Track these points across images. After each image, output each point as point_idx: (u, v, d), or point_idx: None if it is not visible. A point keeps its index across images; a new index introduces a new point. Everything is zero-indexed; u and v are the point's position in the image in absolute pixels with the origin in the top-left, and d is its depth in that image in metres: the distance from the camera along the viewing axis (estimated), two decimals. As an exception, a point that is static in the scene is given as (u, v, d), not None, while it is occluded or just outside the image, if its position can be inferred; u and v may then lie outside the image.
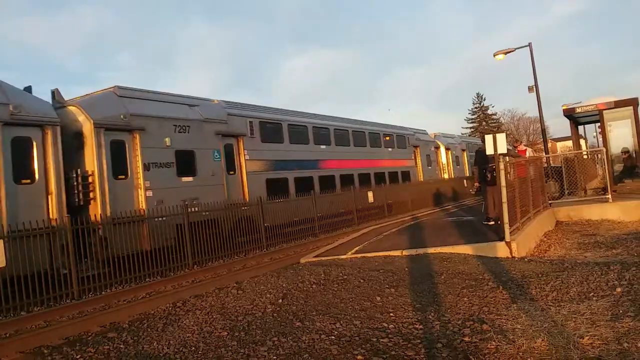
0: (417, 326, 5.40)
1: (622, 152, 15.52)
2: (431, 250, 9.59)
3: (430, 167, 30.86)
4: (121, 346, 5.93)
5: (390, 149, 26.44)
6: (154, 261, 11.56)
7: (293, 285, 7.91)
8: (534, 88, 20.63)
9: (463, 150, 36.00)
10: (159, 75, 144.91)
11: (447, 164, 33.43)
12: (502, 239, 9.11)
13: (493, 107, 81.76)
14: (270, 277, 8.78)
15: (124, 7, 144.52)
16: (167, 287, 10.30)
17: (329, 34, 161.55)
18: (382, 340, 5.03)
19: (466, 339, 4.87)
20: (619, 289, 6.05)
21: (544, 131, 22.89)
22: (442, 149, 32.79)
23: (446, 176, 32.54)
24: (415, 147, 29.24)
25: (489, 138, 9.29)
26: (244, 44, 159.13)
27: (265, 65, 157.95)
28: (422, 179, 29.01)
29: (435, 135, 33.06)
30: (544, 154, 21.89)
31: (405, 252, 9.83)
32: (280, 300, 7.09)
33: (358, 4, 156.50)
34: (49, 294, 9.41)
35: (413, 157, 28.91)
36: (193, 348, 5.44)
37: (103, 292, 10.18)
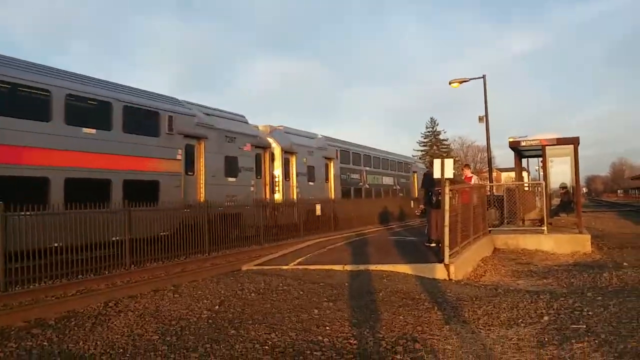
0: (351, 341, 5.43)
1: (560, 187, 16.27)
2: (372, 267, 9.70)
3: (236, 178, 18.88)
4: (45, 343, 5.65)
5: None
6: (88, 258, 11.15)
7: (232, 292, 7.81)
8: (484, 118, 21.41)
9: (328, 158, 25.95)
10: (115, 67, 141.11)
11: (289, 176, 22.57)
12: (441, 261, 9.33)
13: (445, 132, 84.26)
14: (209, 283, 8.63)
15: None
16: (101, 286, 9.95)
17: (292, 44, 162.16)
18: (315, 353, 5.03)
19: (398, 356, 4.94)
20: (546, 318, 6.29)
21: (490, 161, 23.76)
22: (278, 153, 21.86)
23: (278, 196, 21.49)
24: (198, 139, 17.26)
25: (437, 162, 9.55)
26: (205, 44, 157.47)
27: (225, 67, 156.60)
28: (202, 196, 16.88)
29: (271, 130, 22.55)
30: (488, 182, 22.69)
31: (346, 267, 9.89)
32: (217, 307, 6.98)
33: (324, 18, 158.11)
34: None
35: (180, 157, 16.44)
36: (121, 350, 5.25)
37: (31, 286, 9.71)
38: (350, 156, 28.95)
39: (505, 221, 15.83)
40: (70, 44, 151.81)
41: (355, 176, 29.54)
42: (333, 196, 25.63)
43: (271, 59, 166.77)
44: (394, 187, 35.63)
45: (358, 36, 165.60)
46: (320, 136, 26.36)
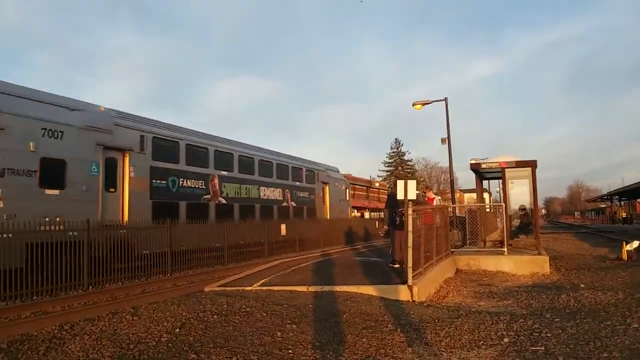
0: (314, 365, 5.38)
1: (519, 209, 16.68)
2: (337, 288, 9.68)
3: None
4: (-6, 370, 5.40)
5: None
6: (43, 278, 10.77)
7: (193, 314, 7.65)
8: (447, 140, 21.88)
9: (112, 149, 15.44)
10: (78, 81, 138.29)
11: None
12: (404, 282, 9.39)
13: (409, 153, 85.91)
14: (170, 305, 8.43)
15: (50, 4, 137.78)
16: (56, 308, 9.59)
17: (258, 63, 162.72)
18: (277, 377, 4.96)
19: (361, 380, 4.92)
20: (506, 339, 6.39)
21: (452, 182, 24.25)
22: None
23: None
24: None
25: (400, 183, 9.68)
26: (170, 61, 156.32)
27: (190, 85, 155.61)
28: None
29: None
30: (451, 203, 23.06)
31: (311, 288, 9.84)
32: (178, 330, 6.82)
33: (291, 38, 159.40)
34: None
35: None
36: (75, 376, 5.06)
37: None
38: (181, 150, 18.38)
39: (468, 242, 16.08)
40: (33, 57, 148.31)
41: (194, 184, 18.89)
42: (124, 214, 15.41)
43: (237, 77, 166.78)
44: (285, 204, 25.38)
45: (324, 57, 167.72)
46: (104, 108, 15.97)
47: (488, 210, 19.10)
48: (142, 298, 10.12)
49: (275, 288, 10.09)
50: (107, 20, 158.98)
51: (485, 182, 20.29)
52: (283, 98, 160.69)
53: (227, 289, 10.38)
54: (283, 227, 21.97)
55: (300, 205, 26.73)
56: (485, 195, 24.89)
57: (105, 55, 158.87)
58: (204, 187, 19.38)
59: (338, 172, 33.29)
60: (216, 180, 20.16)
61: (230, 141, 22.38)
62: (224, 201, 20.44)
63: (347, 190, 33.67)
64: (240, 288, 10.33)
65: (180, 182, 18.20)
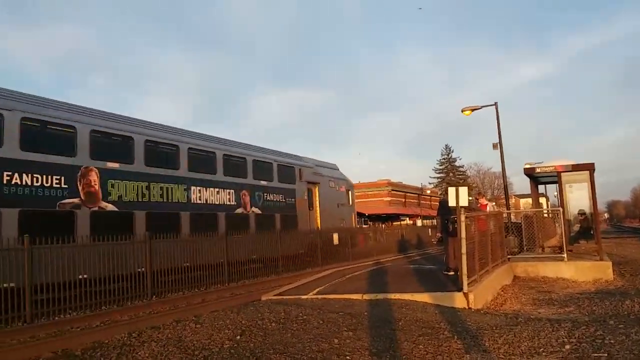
0: (372, 371, 5.48)
1: (578, 214, 16.17)
2: (391, 296, 9.73)
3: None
4: (72, 374, 5.81)
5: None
6: (111, 289, 11.38)
7: (252, 322, 7.90)
8: (498, 145, 21.46)
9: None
10: (129, 100, 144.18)
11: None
12: (460, 289, 9.33)
13: (460, 159, 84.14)
14: (229, 313, 8.74)
15: (102, 28, 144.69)
16: (124, 317, 10.10)
17: (304, 75, 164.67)
18: (336, 382, 5.09)
19: (418, 386, 4.98)
20: (567, 346, 6.27)
21: (506, 187, 23.70)
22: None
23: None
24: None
25: (452, 190, 9.65)
26: (217, 76, 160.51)
27: (237, 100, 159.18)
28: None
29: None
30: (505, 209, 22.57)
31: (365, 296, 9.93)
32: (239, 337, 7.08)
33: (334, 48, 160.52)
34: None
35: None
36: (146, 380, 5.38)
37: (56, 318, 9.92)
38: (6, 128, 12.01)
39: (525, 248, 15.72)
40: (87, 78, 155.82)
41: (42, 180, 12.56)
42: None
43: (282, 90, 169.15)
44: (241, 211, 19.06)
45: (368, 66, 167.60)
46: None
47: (545, 215, 18.61)
48: (203, 307, 10.50)
49: (331, 296, 10.24)
50: (157, 39, 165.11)
51: (542, 187, 19.81)
52: (329, 109, 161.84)
53: (284, 297, 10.62)
54: (335, 236, 22.16)
55: (270, 212, 20.25)
56: (542, 200, 24.22)
57: (155, 74, 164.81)
58: (65, 185, 12.98)
59: (336, 169, 27.23)
60: (94, 176, 13.80)
61: (125, 119, 15.81)
62: (111, 207, 14.05)
63: (350, 192, 27.51)
64: (296, 297, 10.55)
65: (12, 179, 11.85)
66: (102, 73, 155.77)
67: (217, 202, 17.87)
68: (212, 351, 6.43)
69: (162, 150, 16.24)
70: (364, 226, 44.41)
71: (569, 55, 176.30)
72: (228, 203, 18.34)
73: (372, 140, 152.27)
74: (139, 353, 6.48)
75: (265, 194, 20.30)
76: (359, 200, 62.73)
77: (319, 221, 23.58)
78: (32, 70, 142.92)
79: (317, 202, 23.92)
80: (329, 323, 7.74)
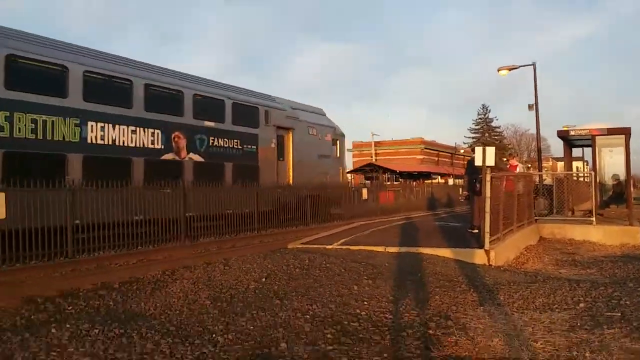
0: (387, 315, 5.79)
1: (612, 178, 15.92)
2: (413, 249, 9.98)
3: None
4: (110, 303, 6.32)
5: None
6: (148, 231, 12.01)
7: (277, 267, 8.30)
8: (534, 107, 20.98)
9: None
10: (166, 51, 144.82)
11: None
12: (482, 246, 9.50)
13: (497, 119, 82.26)
14: (257, 258, 9.16)
15: None
16: (158, 257, 10.69)
17: (336, 30, 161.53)
18: (352, 323, 5.42)
19: (430, 331, 5.26)
20: (582, 304, 6.42)
21: (539, 150, 23.28)
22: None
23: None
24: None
25: (478, 150, 9.68)
26: (252, 30, 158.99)
27: (271, 54, 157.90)
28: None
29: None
30: (536, 171, 22.29)
31: (388, 249, 10.21)
32: (264, 279, 7.48)
33: (372, 3, 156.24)
34: (44, 250, 9.84)
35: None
36: (177, 311, 5.83)
37: (96, 254, 10.58)
38: None
39: (555, 211, 15.66)
40: (126, 34, 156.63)
41: None
42: None
43: (318, 43, 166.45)
44: (170, 157, 15.03)
45: (405, 22, 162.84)
46: None
47: (581, 179, 18.35)
48: (233, 252, 10.98)
49: (354, 247, 10.57)
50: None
51: (580, 151, 19.45)
52: (363, 66, 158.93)
53: (309, 246, 11.01)
54: (364, 191, 22.42)
55: (217, 161, 16.47)
56: (580, 163, 23.76)
57: (190, 26, 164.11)
58: None
59: (322, 114, 23.05)
60: None
61: None
62: None
63: (339, 143, 23.35)
64: (321, 246, 10.91)
65: None
66: (139, 25, 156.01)
67: (132, 145, 13.80)
68: (239, 290, 6.85)
69: (39, 70, 11.87)
70: (394, 183, 44.51)
71: (617, 14, 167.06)
72: (150, 146, 14.21)
73: (407, 98, 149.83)
74: (171, 288, 6.96)
75: (211, 138, 16.27)
76: (390, 157, 62.74)
77: (291, 174, 19.86)
78: (70, 22, 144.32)
79: (291, 152, 19.90)
80: (350, 271, 8.07)
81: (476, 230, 11.56)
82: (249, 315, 5.64)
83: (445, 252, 9.70)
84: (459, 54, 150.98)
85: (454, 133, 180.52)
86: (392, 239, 11.66)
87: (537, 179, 17.71)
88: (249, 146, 17.86)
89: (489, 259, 9.30)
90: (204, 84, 16.78)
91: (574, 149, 18.49)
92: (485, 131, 79.72)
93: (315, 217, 18.74)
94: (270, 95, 19.88)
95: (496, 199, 9.81)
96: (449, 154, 71.72)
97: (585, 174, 18.77)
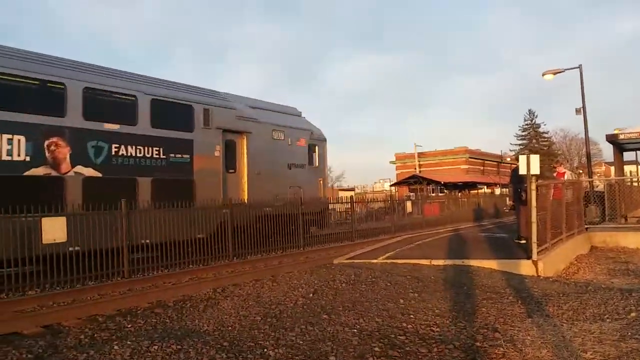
0: (434, 328, 5.86)
1: (669, 183, 15.36)
2: (459, 262, 9.96)
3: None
4: (167, 320, 6.65)
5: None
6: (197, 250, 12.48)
7: (324, 282, 8.47)
8: (582, 110, 20.45)
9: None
10: (213, 69, 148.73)
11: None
12: (529, 257, 9.39)
13: (545, 125, 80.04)
14: (303, 274, 9.38)
15: (182, 2, 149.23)
16: (209, 275, 11.06)
17: (382, 39, 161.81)
18: (399, 337, 5.52)
19: (477, 343, 5.30)
20: (633, 314, 6.30)
21: (589, 155, 22.61)
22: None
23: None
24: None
25: (523, 158, 9.61)
26: (296, 43, 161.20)
27: (316, 66, 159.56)
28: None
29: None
30: (586, 177, 21.64)
31: (433, 262, 10.23)
32: (311, 295, 7.67)
33: (413, 10, 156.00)
34: (102, 271, 10.38)
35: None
36: (230, 328, 6.08)
37: (150, 274, 11.05)
38: None
39: (607, 219, 15.22)
40: (174, 51, 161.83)
41: None
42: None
43: (362, 55, 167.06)
44: (43, 173, 11.44)
45: (449, 27, 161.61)
46: None
47: (632, 183, 17.77)
48: (280, 268, 11.24)
49: (399, 261, 10.63)
50: (236, 10, 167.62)
51: (633, 155, 18.85)
52: (408, 73, 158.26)
53: (355, 261, 11.14)
54: (409, 204, 22.38)
55: (128, 176, 12.99)
56: (633, 167, 22.94)
57: (235, 44, 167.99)
58: None
59: (295, 115, 19.78)
60: None
61: None
62: None
63: (318, 149, 19.87)
64: (366, 261, 11.02)
65: None
66: (185, 46, 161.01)
67: None
68: (287, 306, 7.06)
69: None
70: (439, 194, 44.06)
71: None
72: (5, 158, 10.85)
73: (450, 107, 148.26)
74: (223, 305, 7.25)
75: (114, 146, 12.72)
76: (434, 168, 62.09)
77: (245, 189, 16.26)
78: (120, 46, 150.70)
79: (245, 161, 16.32)
80: (396, 285, 8.15)
81: (523, 241, 11.40)
82: (298, 329, 5.83)
83: (492, 264, 9.64)
84: (503, 58, 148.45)
85: (500, 141, 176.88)
86: (437, 252, 11.65)
87: (587, 186, 17.27)
88: (179, 155, 14.24)
89: (537, 270, 9.18)
90: (102, 75, 13.02)
91: (625, 153, 17.94)
92: (533, 137, 77.78)
93: (283, 242, 15.51)
94: (215, 91, 16.40)
95: (543, 208, 9.70)
96: (495, 163, 70.33)
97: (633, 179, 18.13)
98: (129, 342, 5.39)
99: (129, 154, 13.06)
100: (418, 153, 64.56)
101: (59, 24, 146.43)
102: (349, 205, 19.47)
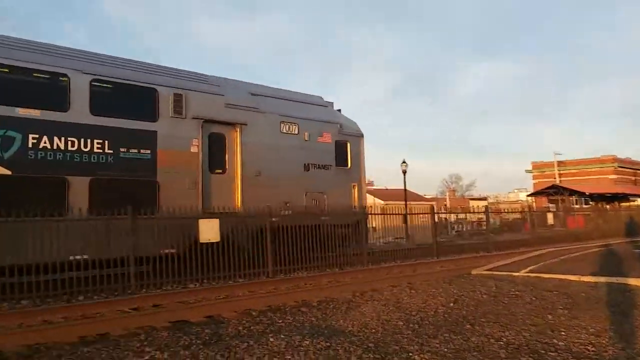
0: (588, 347, 5.55)
1: None
2: (613, 280, 9.21)
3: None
4: (313, 319, 7.07)
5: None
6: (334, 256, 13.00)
7: (464, 292, 8.38)
8: None
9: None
10: (334, 80, 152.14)
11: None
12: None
13: None
14: (441, 283, 9.35)
15: (305, 14, 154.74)
16: (345, 279, 11.44)
17: (505, 44, 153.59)
18: (550, 353, 5.32)
19: (640, 367, 4.95)
20: None
21: None
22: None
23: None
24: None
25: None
26: (418, 50, 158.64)
27: (439, 73, 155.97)
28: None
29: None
30: None
31: (583, 278, 9.58)
32: (452, 304, 7.64)
33: (539, 14, 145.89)
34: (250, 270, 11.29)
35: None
36: (373, 330, 6.31)
37: (291, 275, 11.74)
38: None
39: None
40: (294, 61, 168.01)
41: None
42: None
43: (487, 63, 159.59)
44: None
45: (582, 31, 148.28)
46: None
47: None
48: (416, 276, 11.28)
49: (544, 275, 10.12)
50: (352, 19, 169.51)
51: None
52: (538, 82, 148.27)
53: (494, 273, 10.82)
54: (550, 215, 21.09)
55: (54, 175, 10.77)
56: None
57: (357, 54, 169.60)
58: None
59: (320, 105, 16.64)
60: None
61: None
62: None
63: (350, 146, 16.50)
64: (507, 273, 10.65)
65: None
66: (308, 57, 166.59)
67: None
68: (428, 314, 7.13)
69: None
70: (583, 206, 40.68)
71: None
72: None
73: (591, 114, 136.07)
74: (364, 308, 7.51)
75: (32, 138, 10.58)
76: (576, 178, 57.44)
77: (238, 195, 13.43)
78: (249, 61, 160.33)
79: (238, 160, 13.54)
80: (542, 300, 7.81)
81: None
82: (442, 337, 5.87)
83: (652, 283, 8.79)
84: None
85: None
86: (586, 268, 10.88)
87: None
88: (134, 150, 11.78)
89: None
90: (18, 48, 10.83)
91: None
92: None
93: (294, 262, 12.86)
94: (195, 73, 13.78)
95: None
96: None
97: None
98: (282, 336, 5.84)
99: (54, 147, 10.76)
100: (557, 162, 60.20)
101: (202, 42, 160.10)
102: (482, 216, 18.85)
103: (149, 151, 11.92)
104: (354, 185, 16.20)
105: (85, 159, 11.04)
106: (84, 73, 11.26)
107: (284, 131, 14.61)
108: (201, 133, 12.82)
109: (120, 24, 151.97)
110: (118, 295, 9.63)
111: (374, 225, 17.11)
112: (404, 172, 33.35)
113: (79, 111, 11.10)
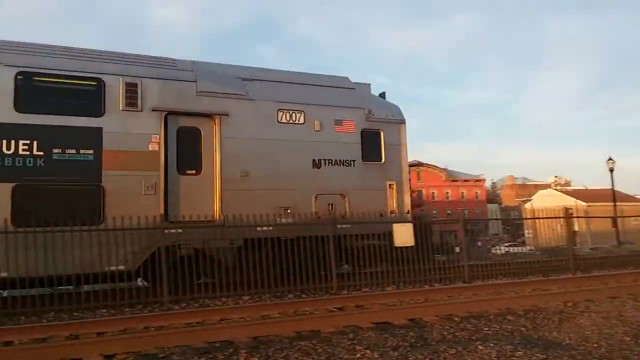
0: None
1: None
2: None
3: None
4: (522, 328, 6.70)
5: None
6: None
7: None
8: None
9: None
10: (524, 75, 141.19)
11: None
12: None
13: None
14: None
15: (491, 10, 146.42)
16: (552, 288, 10.60)
17: None
18: None
19: None
20: None
21: None
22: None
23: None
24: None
25: None
26: (620, 36, 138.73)
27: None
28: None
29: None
30: None
31: None
32: (693, 321, 6.61)
33: None
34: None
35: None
36: (595, 345, 5.75)
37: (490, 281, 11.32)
38: None
39: None
40: (482, 59, 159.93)
41: None
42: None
43: None
44: None
45: None
46: None
47: None
48: (636, 287, 9.98)
49: None
50: (545, 8, 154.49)
51: None
52: None
53: None
54: None
55: None
56: None
57: (548, 45, 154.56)
58: None
59: (345, 87, 13.49)
60: None
61: None
62: None
63: (384, 135, 13.26)
64: None
65: None
66: (494, 53, 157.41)
67: None
68: (658, 331, 6.26)
69: None
70: None
71: None
72: None
73: None
74: (580, 320, 6.91)
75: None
76: None
77: (217, 198, 11.24)
78: (429, 61, 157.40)
79: (218, 157, 11.35)
80: None
81: None
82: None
83: None
84: None
85: None
86: None
87: None
88: (71, 151, 10.17)
89: None
90: None
91: None
92: None
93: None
94: (158, 58, 11.74)
95: None
96: None
97: None
98: (491, 344, 5.65)
99: None
100: None
101: (379, 55, 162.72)
102: None
103: (91, 151, 10.29)
104: (390, 185, 13.07)
105: (8, 162, 9.64)
106: (6, 65, 9.87)
107: (283, 120, 12.13)
108: (163, 127, 10.90)
109: (305, 41, 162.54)
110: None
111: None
112: (611, 170, 30.01)
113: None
